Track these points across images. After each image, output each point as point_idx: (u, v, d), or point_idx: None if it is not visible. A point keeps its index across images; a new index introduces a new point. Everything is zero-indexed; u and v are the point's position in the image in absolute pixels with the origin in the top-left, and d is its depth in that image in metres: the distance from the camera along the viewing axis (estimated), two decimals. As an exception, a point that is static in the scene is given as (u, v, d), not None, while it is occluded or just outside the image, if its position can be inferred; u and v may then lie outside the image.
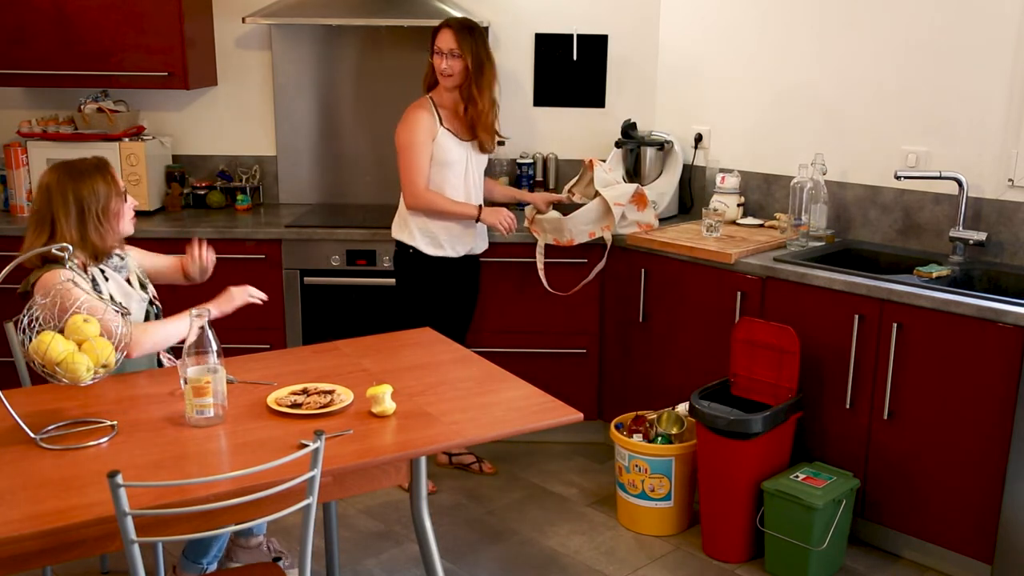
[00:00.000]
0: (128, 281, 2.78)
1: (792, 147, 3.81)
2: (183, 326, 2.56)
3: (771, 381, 3.22)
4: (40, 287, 2.53)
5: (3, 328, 2.78)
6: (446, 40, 3.43)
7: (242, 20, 3.98)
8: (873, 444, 3.14)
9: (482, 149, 3.63)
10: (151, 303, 2.83)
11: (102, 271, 2.70)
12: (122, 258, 2.81)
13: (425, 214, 3.53)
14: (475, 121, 3.52)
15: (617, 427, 3.45)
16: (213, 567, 2.91)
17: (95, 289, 2.61)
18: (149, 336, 2.58)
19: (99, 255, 2.68)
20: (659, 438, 3.36)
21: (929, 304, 2.94)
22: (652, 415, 3.44)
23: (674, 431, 3.36)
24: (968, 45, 3.31)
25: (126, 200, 2.72)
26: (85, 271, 2.63)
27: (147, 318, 2.78)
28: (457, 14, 3.83)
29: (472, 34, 3.46)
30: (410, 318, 3.53)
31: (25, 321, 2.23)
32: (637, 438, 3.37)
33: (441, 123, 3.50)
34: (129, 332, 2.26)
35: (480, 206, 3.56)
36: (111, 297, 2.64)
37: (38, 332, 2.19)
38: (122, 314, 2.28)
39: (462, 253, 3.61)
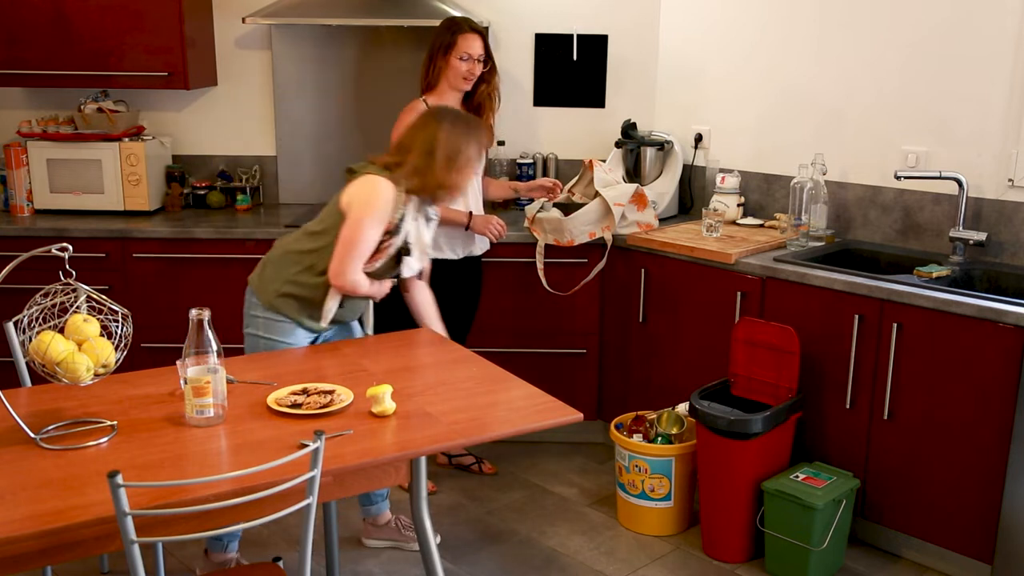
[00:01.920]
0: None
1: (792, 147, 3.81)
2: (376, 288, 2.84)
3: (771, 381, 3.22)
4: (364, 184, 2.71)
5: (3, 328, 2.78)
6: (476, 47, 3.49)
7: (242, 20, 3.98)
8: (873, 444, 3.14)
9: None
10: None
11: (415, 214, 2.80)
12: (433, 218, 2.91)
13: None
14: (482, 112, 3.59)
15: (617, 427, 3.45)
16: (235, 544, 2.97)
17: (399, 223, 2.74)
18: (358, 283, 2.76)
19: (433, 198, 2.82)
20: (659, 438, 3.36)
21: (929, 304, 2.94)
22: (652, 415, 3.44)
23: (674, 431, 3.36)
24: (968, 45, 3.31)
25: (473, 181, 2.91)
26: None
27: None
28: (457, 14, 3.83)
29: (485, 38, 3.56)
30: (410, 318, 3.52)
31: (25, 321, 2.23)
32: (637, 438, 3.37)
33: None
34: (130, 333, 2.26)
35: (470, 213, 3.56)
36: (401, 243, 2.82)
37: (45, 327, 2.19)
38: (123, 315, 2.28)
39: (461, 255, 3.61)
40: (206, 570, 3.00)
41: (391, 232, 2.74)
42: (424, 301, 3.04)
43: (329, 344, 2.88)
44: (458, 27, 3.50)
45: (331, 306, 2.81)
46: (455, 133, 2.75)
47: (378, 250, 2.75)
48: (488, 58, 3.56)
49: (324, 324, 2.85)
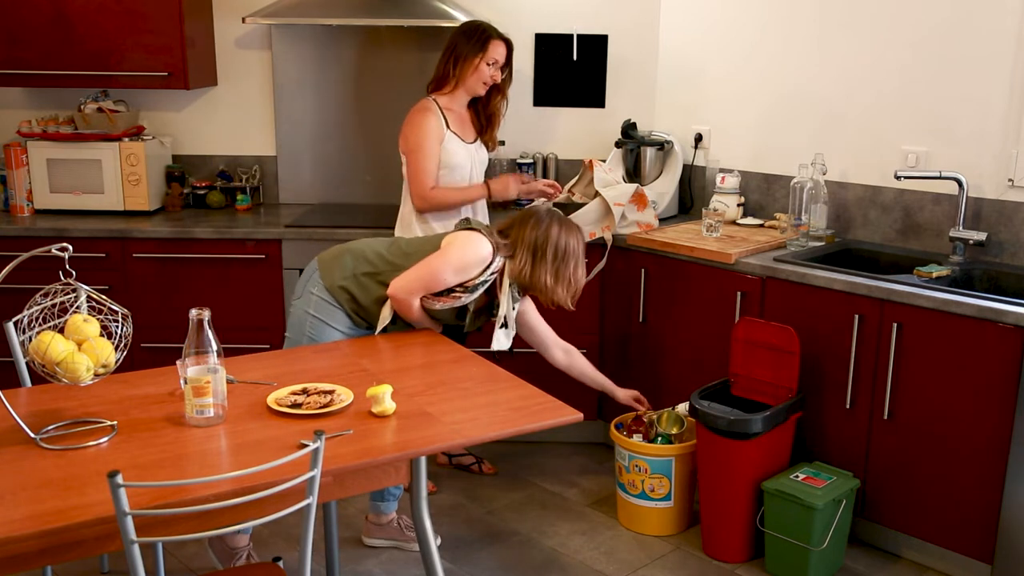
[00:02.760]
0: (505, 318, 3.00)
1: (792, 147, 3.81)
2: (424, 321, 2.94)
3: (771, 381, 3.22)
4: (467, 237, 2.86)
5: (3, 328, 2.78)
6: (503, 53, 3.51)
7: (242, 20, 3.98)
8: (873, 444, 3.14)
9: (489, 147, 3.69)
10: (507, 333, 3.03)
11: (508, 289, 2.92)
12: (519, 297, 3.02)
13: (434, 214, 3.53)
14: (494, 121, 3.63)
15: (617, 427, 3.45)
16: (250, 530, 3.00)
17: (481, 281, 2.87)
18: (411, 305, 2.87)
19: (525, 290, 2.98)
20: (659, 438, 3.36)
21: (929, 304, 2.94)
22: (652, 415, 3.44)
23: (674, 431, 3.36)
24: (968, 45, 3.31)
25: (583, 276, 3.00)
26: (501, 277, 2.91)
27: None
28: (458, 14, 3.84)
29: None
30: None
31: (25, 321, 2.23)
32: (637, 438, 3.37)
33: (448, 126, 3.51)
34: (130, 333, 2.26)
35: (487, 183, 3.61)
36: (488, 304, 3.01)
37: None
38: (123, 315, 2.28)
39: None
40: (220, 553, 3.01)
41: (465, 288, 2.86)
42: (582, 365, 3.33)
43: (329, 344, 2.88)
44: (488, 33, 3.49)
45: (386, 315, 2.92)
46: (563, 237, 2.92)
47: (446, 294, 2.87)
48: (507, 66, 3.56)
49: (377, 331, 2.95)
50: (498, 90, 3.58)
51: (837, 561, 3.12)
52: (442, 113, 3.52)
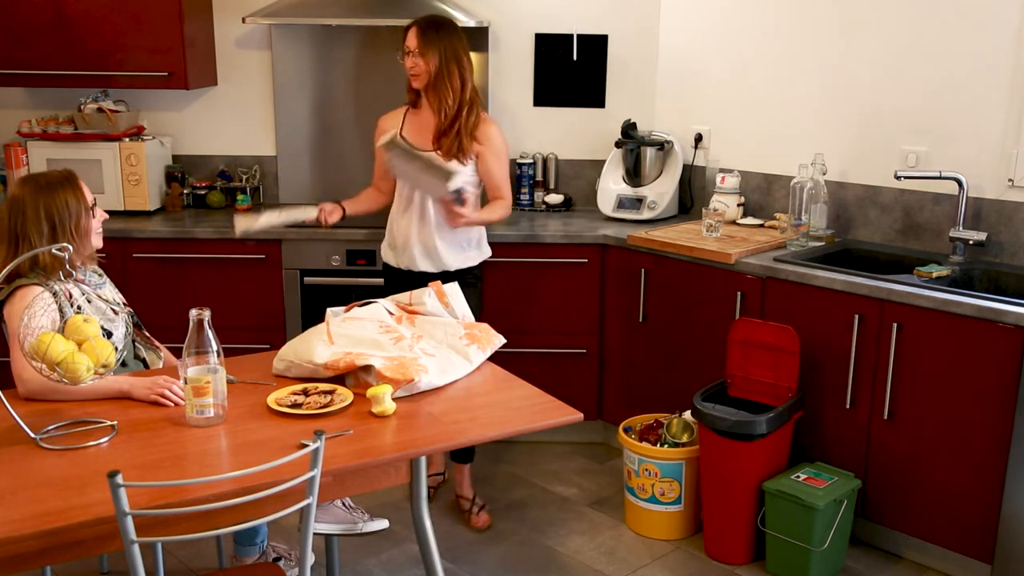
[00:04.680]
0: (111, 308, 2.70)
1: (792, 147, 3.81)
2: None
3: (769, 381, 3.22)
4: (9, 314, 2.48)
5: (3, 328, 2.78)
6: (409, 38, 3.18)
7: (242, 20, 3.98)
8: (873, 444, 3.14)
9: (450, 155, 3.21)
10: (130, 314, 2.77)
11: (84, 294, 2.60)
12: (101, 275, 2.76)
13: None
14: (440, 124, 3.20)
15: (626, 430, 3.43)
16: (266, 543, 2.93)
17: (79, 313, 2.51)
18: None
19: (71, 271, 2.48)
20: (666, 445, 3.33)
21: (929, 304, 2.94)
22: (664, 418, 3.41)
23: (684, 439, 3.33)
24: (968, 44, 3.31)
25: (94, 215, 2.66)
26: (70, 298, 2.53)
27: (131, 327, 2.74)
28: (458, 14, 3.84)
29: (439, 32, 3.17)
30: None
31: (26, 319, 2.23)
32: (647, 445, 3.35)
33: (401, 129, 3.29)
34: (132, 332, 2.27)
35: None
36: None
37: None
38: (131, 314, 2.28)
39: (405, 267, 3.38)
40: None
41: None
42: None
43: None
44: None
45: None
46: (37, 202, 2.55)
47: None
48: (425, 53, 3.19)
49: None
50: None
51: (838, 562, 3.12)
52: (405, 115, 3.33)
